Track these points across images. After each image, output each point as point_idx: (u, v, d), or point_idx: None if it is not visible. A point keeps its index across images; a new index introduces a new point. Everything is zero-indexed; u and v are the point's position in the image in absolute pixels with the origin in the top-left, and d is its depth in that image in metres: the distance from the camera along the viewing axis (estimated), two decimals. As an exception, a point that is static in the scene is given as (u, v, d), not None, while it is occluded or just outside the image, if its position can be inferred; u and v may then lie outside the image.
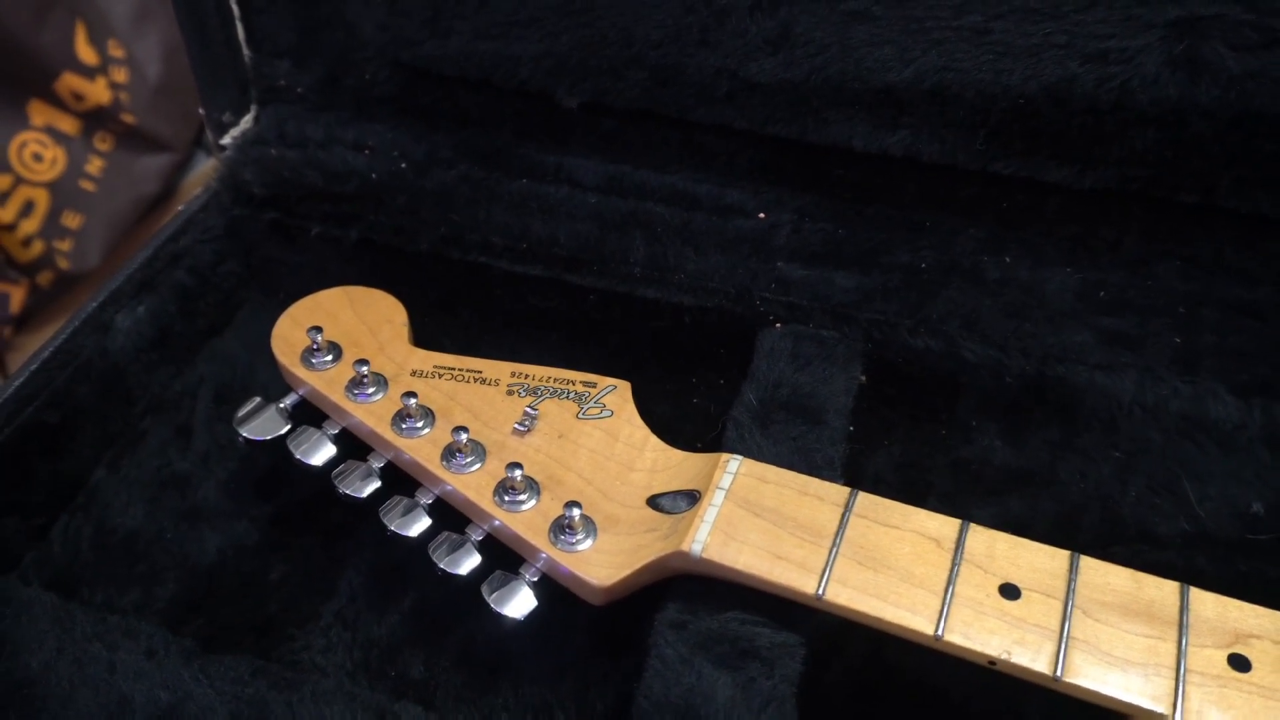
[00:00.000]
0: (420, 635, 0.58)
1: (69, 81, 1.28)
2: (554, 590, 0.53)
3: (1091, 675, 0.44)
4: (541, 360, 0.61)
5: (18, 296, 1.28)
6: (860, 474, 0.64)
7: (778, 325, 0.63)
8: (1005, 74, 0.57)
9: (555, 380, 0.59)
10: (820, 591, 0.47)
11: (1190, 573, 0.59)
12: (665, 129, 0.68)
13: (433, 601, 0.59)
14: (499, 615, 0.51)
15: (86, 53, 1.30)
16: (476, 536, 0.54)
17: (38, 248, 1.28)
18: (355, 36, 0.71)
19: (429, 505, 0.56)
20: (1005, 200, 0.63)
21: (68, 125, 1.32)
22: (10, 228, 1.25)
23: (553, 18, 0.65)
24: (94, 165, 1.36)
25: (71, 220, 1.33)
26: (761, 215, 0.67)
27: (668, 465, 0.55)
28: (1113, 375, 0.61)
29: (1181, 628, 0.46)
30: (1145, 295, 0.62)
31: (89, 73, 1.30)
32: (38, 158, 1.28)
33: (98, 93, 1.32)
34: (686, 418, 0.66)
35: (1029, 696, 0.54)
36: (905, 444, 0.65)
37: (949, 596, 0.46)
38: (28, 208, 1.28)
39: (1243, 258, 0.60)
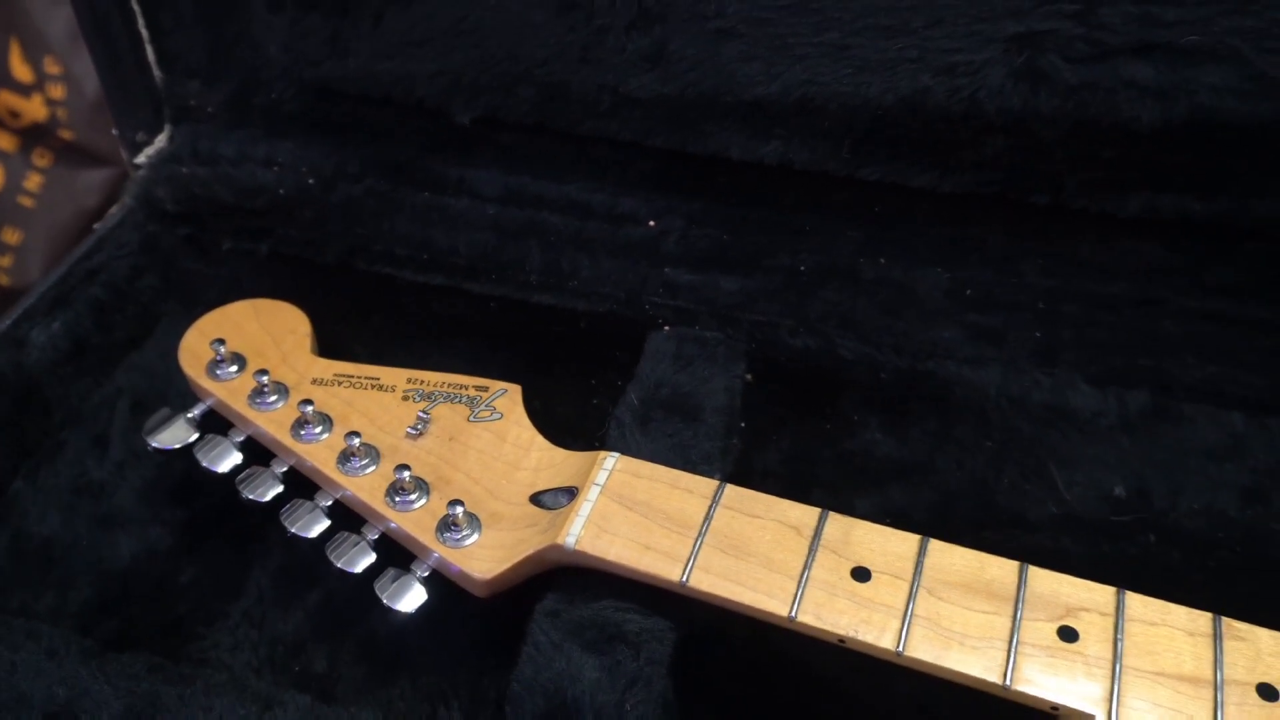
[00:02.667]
0: (324, 631, 0.61)
1: (4, 99, 1.29)
2: (448, 586, 0.56)
3: (930, 650, 0.48)
4: (447, 366, 0.63)
5: (-43, 312, 1.29)
6: (750, 469, 0.67)
7: (665, 328, 0.67)
8: (864, 86, 0.60)
9: (449, 385, 0.62)
10: (684, 579, 0.50)
11: (1057, 554, 0.62)
12: (560, 142, 0.71)
13: (336, 599, 0.62)
14: (391, 610, 0.54)
15: (21, 70, 1.31)
16: (372, 536, 0.57)
17: (-24, 264, 1.30)
18: (262, 56, 0.74)
19: (328, 508, 0.58)
20: (878, 204, 0.67)
21: (4, 142, 1.33)
22: (-52, 245, 1.26)
23: (444, 38, 0.67)
24: (32, 181, 1.37)
25: (11, 236, 1.34)
26: (651, 223, 0.70)
27: (551, 464, 0.58)
28: (980, 369, 0.65)
29: (1017, 603, 0.49)
30: (1010, 292, 0.65)
31: (24, 90, 1.31)
32: (-26, 175, 1.30)
33: (34, 110, 1.33)
34: (585, 418, 0.69)
35: (899, 675, 0.58)
36: (793, 439, 0.68)
37: (804, 580, 0.50)
38: (-34, 225, 1.29)
39: (1098, 254, 0.64)
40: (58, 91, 1.35)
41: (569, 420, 0.65)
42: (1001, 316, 0.65)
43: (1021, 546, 0.62)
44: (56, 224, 1.39)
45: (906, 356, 0.65)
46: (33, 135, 1.33)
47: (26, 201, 1.36)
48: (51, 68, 1.34)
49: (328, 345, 0.68)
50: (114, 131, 0.76)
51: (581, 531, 0.52)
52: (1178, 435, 0.63)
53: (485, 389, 0.62)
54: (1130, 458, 0.64)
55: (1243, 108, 0.55)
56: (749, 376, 0.66)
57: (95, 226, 0.74)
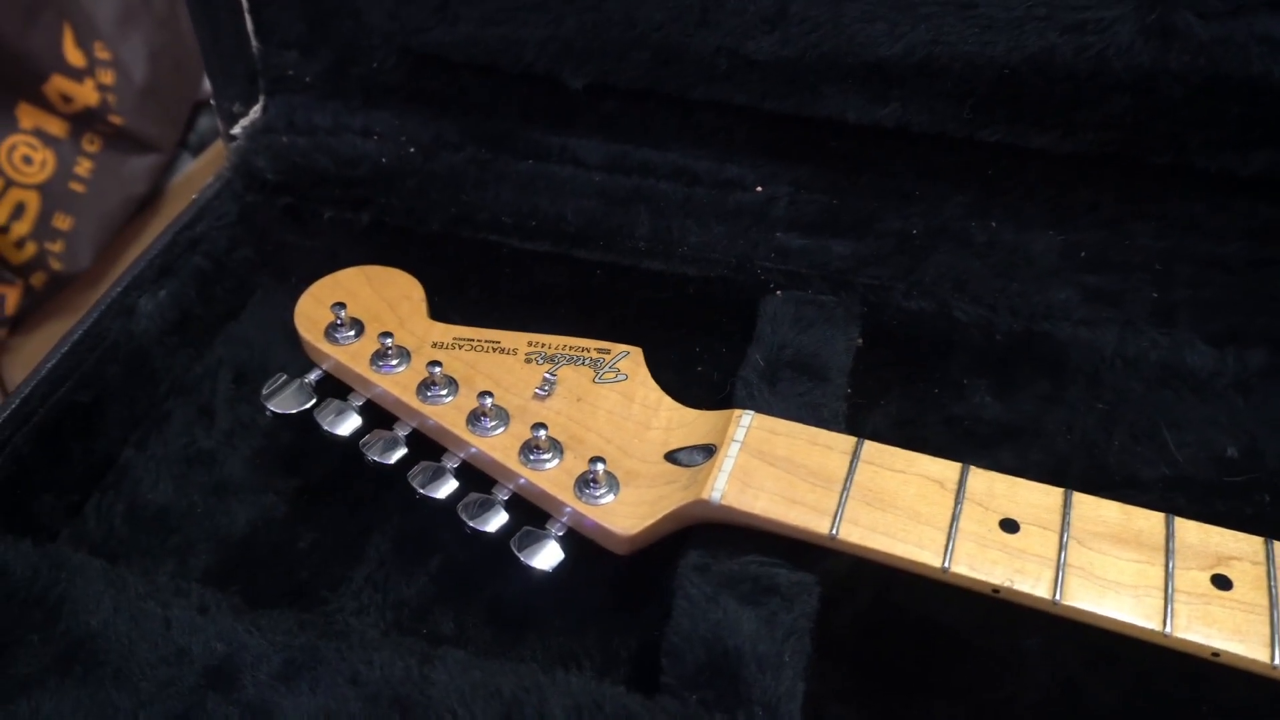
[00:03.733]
0: (449, 594, 0.61)
1: (57, 84, 1.29)
2: (579, 545, 0.56)
3: (1088, 598, 0.48)
4: (556, 332, 0.64)
5: (12, 298, 1.29)
6: (859, 432, 0.66)
7: (778, 292, 0.67)
8: (990, 46, 0.60)
9: (570, 348, 0.62)
10: (834, 531, 0.50)
11: (1171, 513, 0.62)
12: (666, 108, 0.71)
13: (459, 562, 0.62)
14: (528, 568, 0.54)
15: (74, 55, 1.31)
16: (503, 495, 0.57)
17: (30, 250, 1.30)
18: (362, 25, 0.74)
19: (455, 469, 0.58)
20: (990, 167, 0.67)
21: (56, 127, 1.33)
22: (3, 230, 1.26)
23: (558, 2, 0.67)
24: (83, 167, 1.37)
25: (62, 222, 1.34)
26: (759, 188, 0.70)
27: (683, 423, 0.58)
28: (1095, 330, 0.65)
29: (1168, 553, 0.49)
30: (1123, 253, 0.65)
31: (77, 75, 1.31)
32: (27, 160, 1.30)
33: (86, 94, 1.33)
34: (693, 384, 0.68)
35: (1025, 629, 0.58)
36: (901, 402, 0.68)
37: (954, 532, 0.50)
38: (19, 210, 1.29)
39: (1212, 215, 0.64)
40: (107, 77, 1.35)
41: (677, 385, 0.64)
42: (1117, 277, 0.65)
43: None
44: (106, 210, 1.39)
45: (1022, 318, 0.65)
46: (83, 120, 1.33)
47: (77, 187, 1.36)
48: (101, 53, 1.34)
49: (434, 315, 0.68)
50: (210, 102, 0.76)
51: (726, 486, 0.52)
52: (1295, 395, 0.63)
53: (607, 351, 0.62)
54: (1243, 418, 0.64)
55: (1376, 62, 0.55)
56: (860, 341, 0.66)
57: (194, 196, 0.74)
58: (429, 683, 0.47)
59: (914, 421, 0.68)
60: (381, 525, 0.64)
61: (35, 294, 1.31)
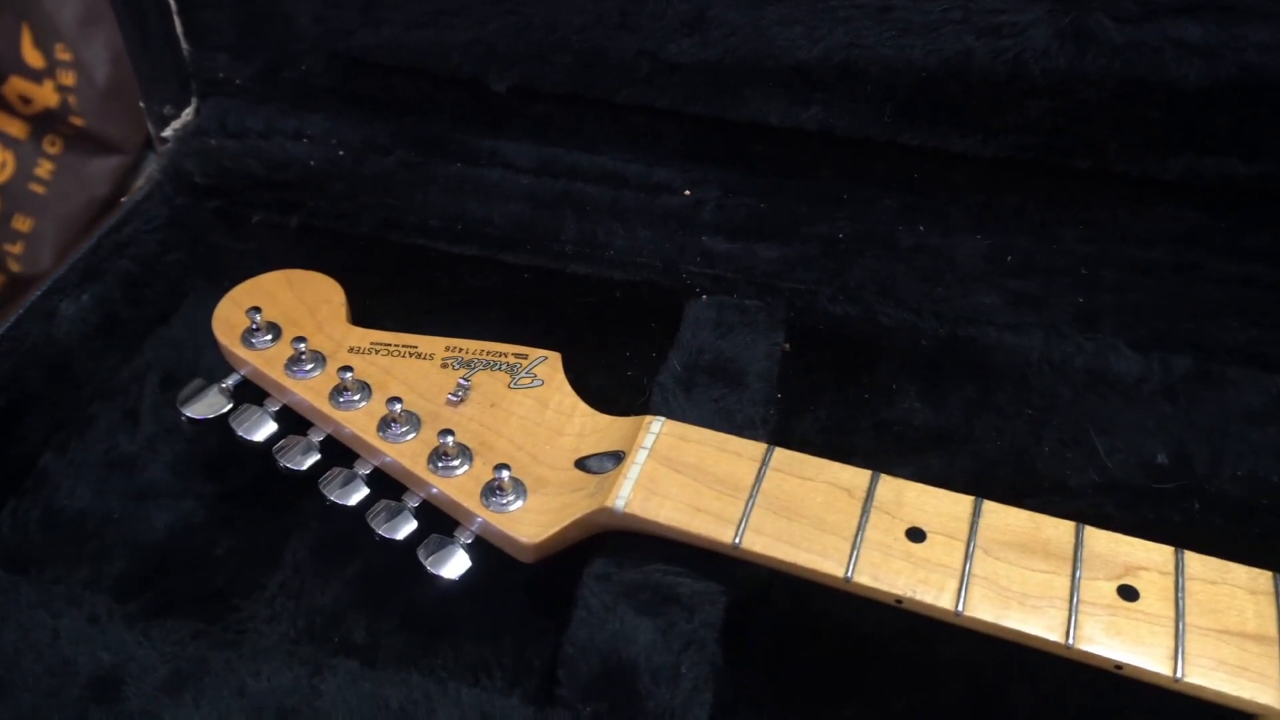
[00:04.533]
0: (363, 601, 0.60)
1: (16, 85, 1.28)
2: (491, 553, 0.55)
3: (990, 610, 0.47)
4: (482, 337, 0.63)
5: (-31, 300, 1.28)
6: (788, 438, 0.66)
7: (704, 296, 0.66)
8: (907, 49, 0.60)
9: (488, 353, 0.61)
10: (737, 540, 0.50)
11: (1100, 520, 0.61)
12: (595, 111, 0.71)
13: (375, 569, 0.61)
14: (435, 576, 0.54)
15: (33, 56, 1.31)
16: (413, 503, 0.56)
17: (-12, 252, 1.29)
18: (292, 29, 0.73)
19: (367, 475, 0.58)
20: (916, 171, 0.66)
21: (16, 129, 1.33)
22: (-39, 232, 1.25)
23: (480, 6, 0.67)
24: (44, 168, 1.36)
25: (22, 223, 1.33)
26: (687, 192, 0.69)
27: (595, 429, 0.57)
28: (1021, 334, 0.64)
29: (1076, 563, 0.49)
30: (1049, 258, 0.65)
31: (36, 76, 1.31)
32: (-14, 162, 1.29)
33: (45, 96, 1.32)
34: (621, 388, 0.68)
35: (942, 637, 0.57)
36: (830, 407, 0.68)
37: (858, 541, 0.49)
38: (-22, 212, 1.28)
39: (1136, 220, 0.64)
40: (68, 78, 1.34)
41: (604, 390, 0.64)
42: (1042, 282, 0.65)
43: (1063, 514, 0.61)
44: (67, 211, 1.38)
45: (947, 323, 0.65)
46: (44, 122, 1.32)
47: (37, 189, 1.35)
48: (62, 54, 1.33)
49: (361, 318, 0.67)
50: (140, 104, 0.75)
51: (631, 494, 0.51)
52: (1220, 400, 0.63)
53: (525, 356, 0.61)
54: (1172, 423, 0.63)
55: (1291, 66, 0.55)
56: (787, 346, 0.66)
57: (123, 200, 0.73)
58: (317, 694, 0.46)
59: (843, 427, 0.67)
60: (300, 532, 0.63)
61: (-7, 296, 1.30)
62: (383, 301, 0.73)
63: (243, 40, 0.75)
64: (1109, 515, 0.62)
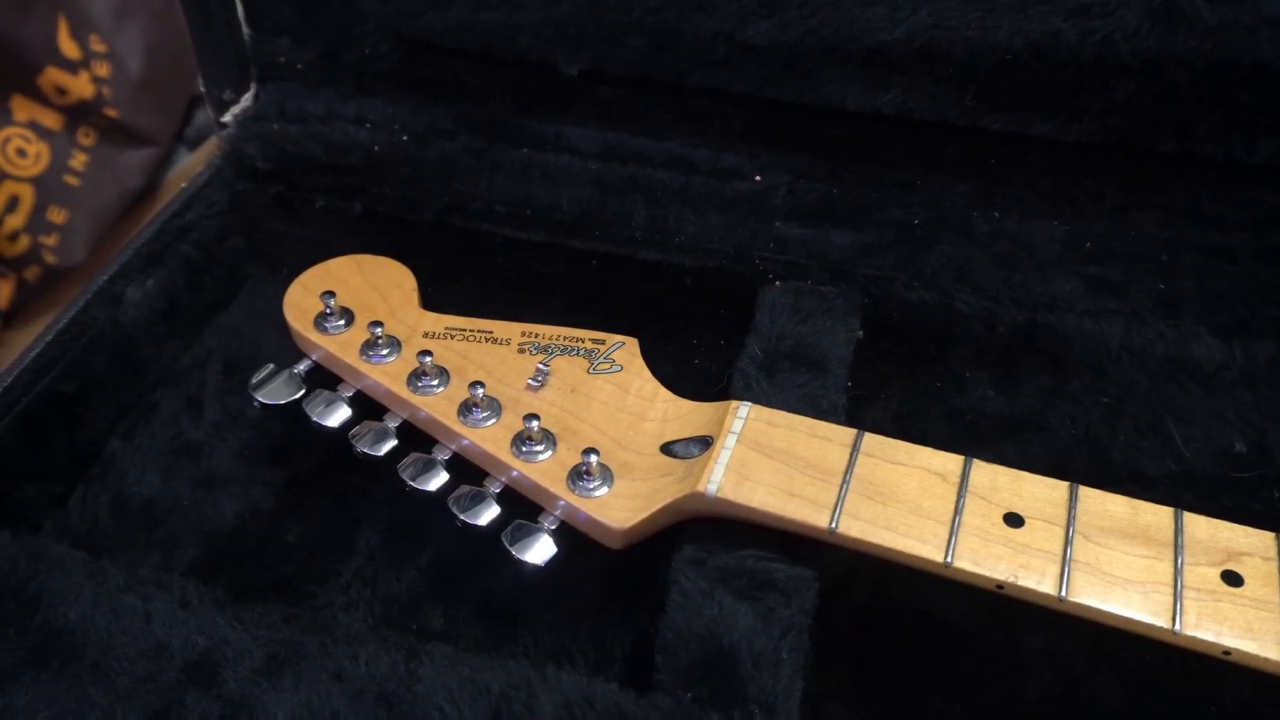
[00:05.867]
0: (439, 589, 0.59)
1: (52, 76, 1.28)
2: (572, 539, 0.55)
3: (1094, 594, 0.46)
4: (550, 323, 0.62)
5: (5, 292, 1.28)
6: (859, 425, 0.65)
7: (777, 283, 0.65)
8: (992, 30, 0.59)
9: (565, 338, 0.61)
10: (834, 525, 0.49)
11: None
12: (662, 96, 0.70)
13: (449, 556, 0.61)
14: (520, 562, 0.53)
15: (69, 47, 1.30)
16: (495, 488, 0.55)
17: (24, 243, 1.29)
18: (354, 11, 0.72)
19: (446, 461, 0.57)
20: (991, 156, 0.65)
21: (51, 120, 1.32)
22: (-4, 223, 1.25)
23: (559, -12, 0.66)
24: (78, 160, 1.36)
25: (57, 215, 1.33)
26: (758, 177, 0.69)
27: (679, 414, 0.57)
28: (1099, 321, 0.64)
29: (1177, 548, 0.48)
30: (1128, 244, 0.64)
31: (72, 67, 1.30)
32: (21, 153, 1.29)
33: (80, 87, 1.32)
34: (689, 376, 0.67)
35: (1027, 626, 0.57)
36: (901, 396, 0.67)
37: (956, 526, 0.49)
38: (13, 203, 1.28)
39: (1218, 204, 0.63)
40: (103, 69, 1.34)
41: (675, 377, 0.63)
42: (1121, 268, 0.64)
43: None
44: (101, 204, 1.38)
45: (1025, 310, 0.64)
46: (78, 113, 1.32)
47: (72, 180, 1.34)
48: (97, 45, 1.33)
49: (425, 305, 0.66)
50: (201, 89, 0.74)
51: (723, 479, 0.51)
52: (1304, 388, 0.62)
53: (602, 341, 0.60)
54: (1251, 412, 0.63)
55: (1386, 46, 0.54)
56: (861, 333, 0.65)
57: (184, 185, 0.72)
58: (415, 679, 0.46)
59: (915, 414, 0.67)
60: (371, 518, 0.63)
61: (29, 287, 1.30)
62: (447, 288, 0.72)
63: (303, 23, 0.74)
64: (1187, 505, 0.61)
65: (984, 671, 0.56)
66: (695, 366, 0.69)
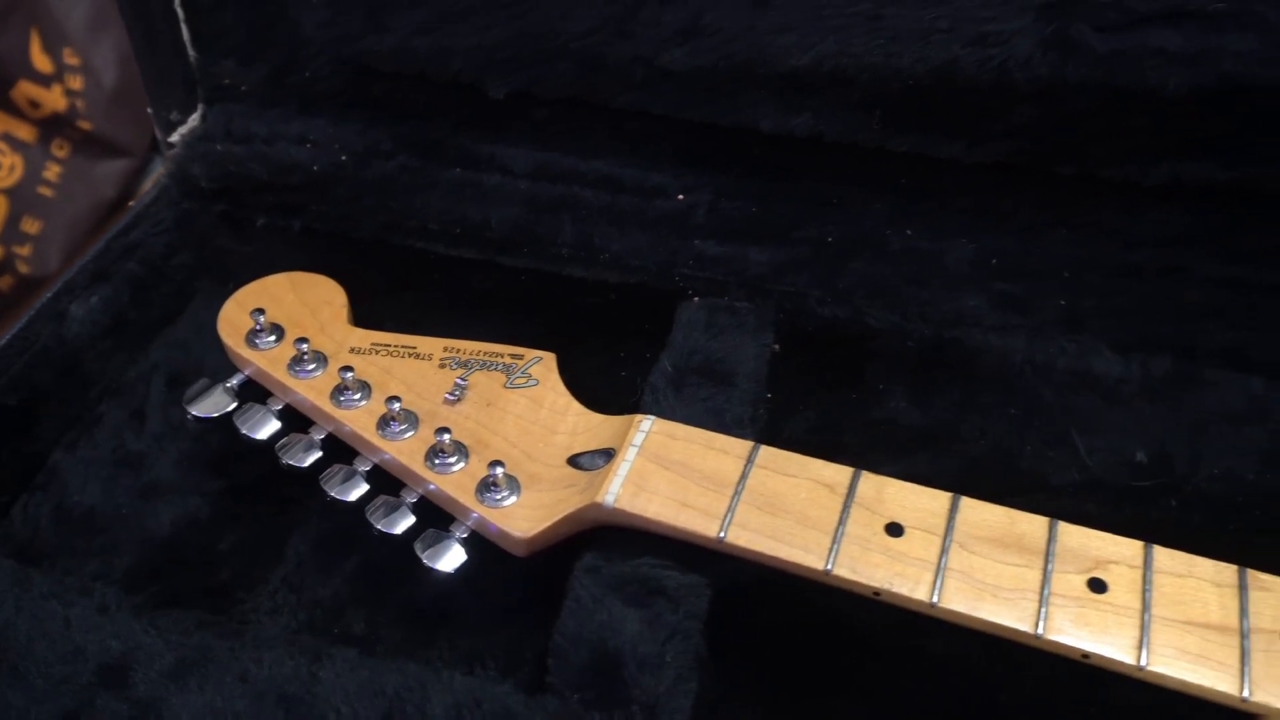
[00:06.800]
0: (363, 595, 0.62)
1: (25, 89, 1.30)
2: (488, 547, 0.57)
3: (964, 601, 0.49)
4: (481, 337, 0.65)
5: (-22, 301, 1.30)
6: (778, 437, 0.67)
7: (695, 299, 0.68)
8: (895, 57, 0.61)
9: (484, 353, 0.63)
10: (722, 534, 0.51)
11: (1081, 518, 0.63)
12: (592, 117, 0.72)
13: (374, 563, 0.63)
14: (431, 570, 0.55)
15: (41, 61, 1.33)
16: (411, 499, 0.58)
17: (-2, 253, 1.31)
18: (298, 35, 0.75)
19: (367, 472, 0.59)
20: (903, 177, 0.68)
21: (24, 132, 1.35)
22: (-31, 235, 1.27)
23: (483, 12, 0.68)
24: (52, 171, 1.38)
25: (31, 226, 1.35)
26: (681, 196, 0.71)
27: (588, 428, 0.59)
28: (1005, 337, 0.66)
29: (1048, 557, 0.50)
30: (1034, 262, 0.66)
31: (44, 80, 1.33)
32: (-6, 165, 1.31)
33: (54, 100, 1.34)
34: (615, 388, 0.69)
35: (934, 632, 0.59)
36: (820, 407, 0.69)
37: (839, 535, 0.51)
38: (-14, 214, 1.30)
39: (1122, 224, 0.65)
40: (76, 82, 1.36)
41: (599, 390, 0.65)
42: (1027, 285, 0.66)
43: (1045, 511, 0.63)
44: (75, 214, 1.40)
45: (933, 325, 0.66)
46: (52, 126, 1.34)
47: (46, 191, 1.37)
48: (70, 59, 1.36)
49: (363, 319, 0.69)
50: (149, 110, 0.77)
51: (620, 490, 0.53)
52: (1199, 400, 0.64)
53: (520, 357, 0.63)
54: (1152, 423, 0.65)
55: (1268, 74, 0.56)
56: (776, 347, 0.67)
57: (130, 204, 0.75)
58: (316, 681, 0.48)
59: (832, 426, 0.69)
60: (302, 528, 0.65)
61: (3, 297, 1.32)
62: (385, 303, 0.75)
63: (248, 46, 0.76)
64: (1090, 513, 0.63)
65: (888, 676, 0.59)
66: (622, 379, 0.71)
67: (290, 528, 0.65)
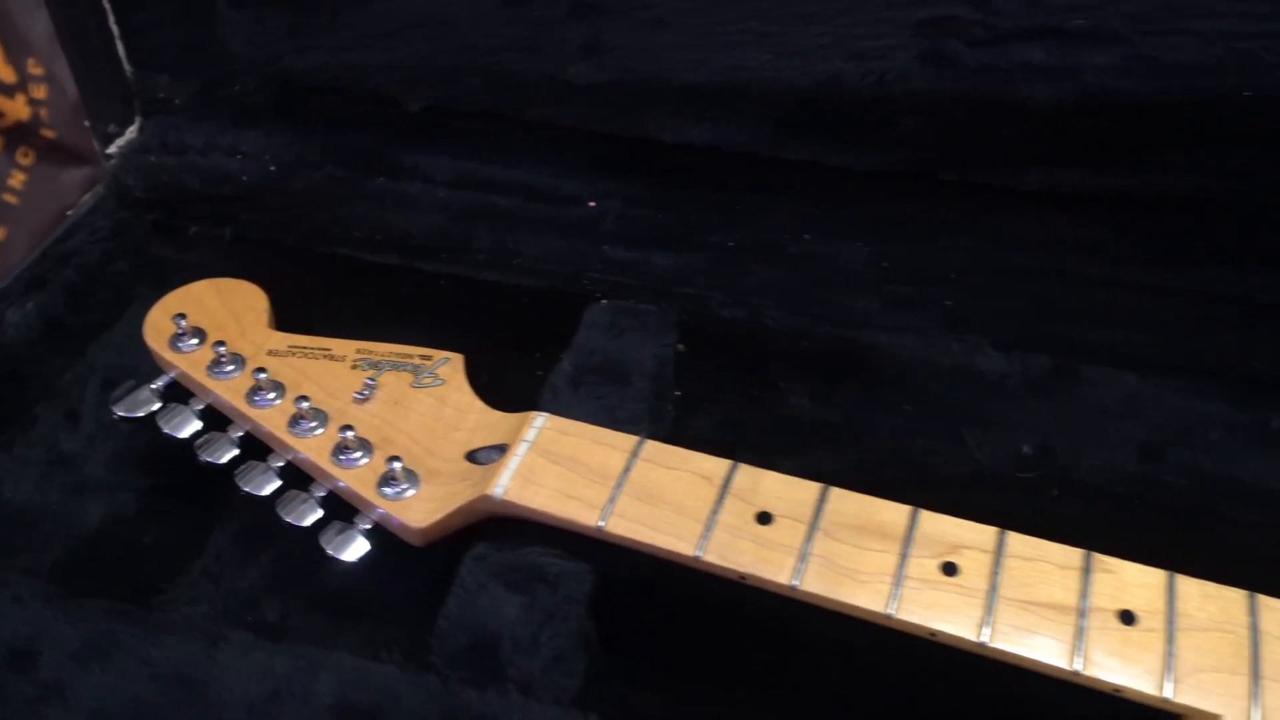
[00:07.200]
0: (277, 585, 0.65)
1: (-12, 100, 1.33)
2: (392, 540, 0.60)
3: (823, 585, 0.52)
4: (401, 340, 0.68)
5: (-55, 306, 1.33)
6: (685, 434, 0.71)
7: (603, 301, 0.71)
8: (784, 71, 0.64)
9: (396, 354, 0.66)
10: (601, 523, 0.54)
11: (970, 509, 0.66)
12: (508, 128, 0.75)
13: (290, 555, 0.66)
14: (335, 560, 0.58)
15: (5, 71, 1.35)
16: (320, 493, 0.61)
17: (-36, 259, 1.33)
18: (226, 53, 0.78)
19: (280, 468, 0.62)
20: (802, 183, 0.71)
21: (-11, 141, 1.37)
22: (-65, 241, 1.30)
23: (398, 32, 0.72)
24: (17, 179, 1.40)
25: (-4, 233, 1.37)
26: (592, 203, 0.74)
27: (487, 425, 0.62)
28: (896, 336, 0.69)
29: (907, 542, 0.53)
30: (924, 264, 0.70)
31: (9, 90, 1.35)
32: (-40, 174, 1.33)
33: (18, 109, 1.36)
34: (528, 388, 0.72)
35: (816, 615, 0.61)
36: (725, 407, 0.72)
37: (711, 524, 0.54)
38: (-48, 222, 1.32)
39: (1004, 227, 0.68)
40: (40, 92, 1.39)
41: (514, 390, 0.68)
42: (916, 287, 0.69)
43: (936, 503, 0.66)
44: (39, 220, 1.43)
45: (827, 325, 0.69)
46: (16, 134, 1.37)
47: (10, 199, 1.39)
48: (34, 69, 1.38)
49: (292, 324, 0.71)
50: (86, 123, 0.80)
51: (509, 482, 0.56)
52: (1079, 396, 0.67)
53: (429, 358, 0.66)
54: (1036, 418, 0.68)
55: (1126, 86, 0.60)
56: (681, 347, 0.70)
57: (69, 213, 0.78)
58: (213, 663, 0.51)
59: (737, 424, 0.72)
60: (224, 523, 0.68)
61: (-32, 304, 1.35)
62: (312, 308, 0.77)
63: (181, 62, 0.80)
64: (980, 504, 0.66)
65: (784, 661, 0.61)
66: (536, 379, 0.74)
67: (213, 522, 0.68)
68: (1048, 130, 0.63)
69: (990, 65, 0.61)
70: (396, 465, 0.58)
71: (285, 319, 0.71)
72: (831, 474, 0.67)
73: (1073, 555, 0.52)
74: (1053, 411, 0.68)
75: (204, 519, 0.68)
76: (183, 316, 0.67)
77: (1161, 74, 0.58)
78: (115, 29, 0.78)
